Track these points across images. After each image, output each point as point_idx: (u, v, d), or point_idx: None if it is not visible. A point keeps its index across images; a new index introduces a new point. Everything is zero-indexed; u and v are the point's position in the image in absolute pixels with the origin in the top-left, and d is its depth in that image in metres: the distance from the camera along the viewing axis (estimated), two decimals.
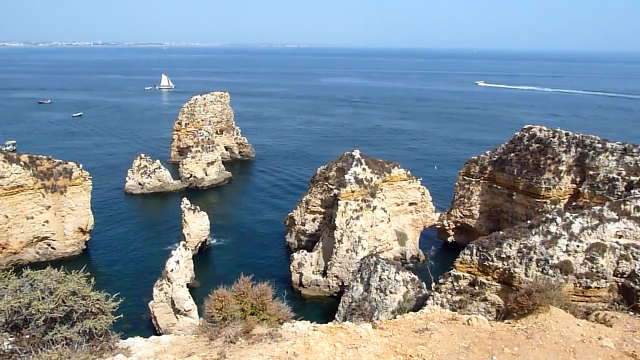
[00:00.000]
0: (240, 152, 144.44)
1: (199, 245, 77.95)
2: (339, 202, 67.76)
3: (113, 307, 12.59)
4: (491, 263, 35.75)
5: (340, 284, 66.24)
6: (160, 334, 52.21)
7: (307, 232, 78.10)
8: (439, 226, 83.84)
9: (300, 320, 14.39)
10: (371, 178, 71.71)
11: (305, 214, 78.31)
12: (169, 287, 55.74)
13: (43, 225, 75.82)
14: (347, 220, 67.05)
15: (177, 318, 55.72)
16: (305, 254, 70.33)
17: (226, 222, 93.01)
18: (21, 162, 75.03)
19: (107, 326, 12.30)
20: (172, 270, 56.38)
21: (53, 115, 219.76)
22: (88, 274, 12.94)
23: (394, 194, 77.84)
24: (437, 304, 36.46)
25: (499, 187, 76.04)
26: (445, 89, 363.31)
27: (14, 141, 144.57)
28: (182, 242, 64.61)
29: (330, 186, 73.98)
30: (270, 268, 74.14)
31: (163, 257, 63.02)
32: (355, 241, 66.17)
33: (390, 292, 47.76)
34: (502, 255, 35.42)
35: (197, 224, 76.85)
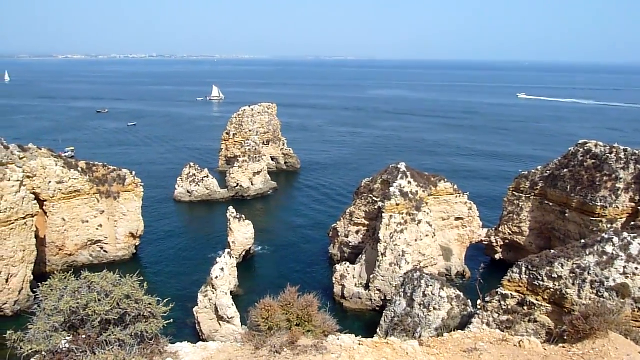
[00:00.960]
0: (286, 163, 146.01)
1: (244, 253, 78.99)
2: (383, 214, 67.08)
3: (163, 311, 12.84)
4: (541, 283, 34.28)
5: (382, 298, 65.30)
6: (203, 340, 52.89)
7: (350, 244, 77.68)
8: (486, 242, 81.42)
9: (345, 333, 14.20)
10: (417, 191, 70.64)
11: (349, 226, 77.98)
12: (213, 293, 56.63)
13: (97, 229, 79.03)
14: (391, 233, 66.22)
15: (220, 325, 56.45)
16: (348, 266, 69.89)
17: (270, 232, 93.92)
18: (79, 168, 78.70)
19: (158, 330, 12.54)
20: (216, 278, 57.31)
21: (109, 124, 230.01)
22: (141, 278, 13.28)
23: (439, 208, 76.34)
24: (483, 322, 35.26)
25: (550, 204, 73.14)
26: (488, 101, 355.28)
27: (73, 148, 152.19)
28: (227, 250, 65.64)
29: (375, 198, 73.42)
30: (312, 279, 74.14)
31: (208, 264, 64.21)
32: (399, 255, 65.18)
33: (434, 309, 46.63)
34: (553, 275, 33.92)
35: (242, 233, 77.98)
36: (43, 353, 11.48)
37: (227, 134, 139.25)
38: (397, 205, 67.50)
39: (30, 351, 11.38)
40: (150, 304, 12.56)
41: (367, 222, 75.92)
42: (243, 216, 79.46)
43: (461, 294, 48.82)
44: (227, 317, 55.48)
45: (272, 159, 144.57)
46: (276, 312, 13.96)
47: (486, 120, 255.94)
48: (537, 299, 34.93)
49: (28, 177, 70.88)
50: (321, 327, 14.31)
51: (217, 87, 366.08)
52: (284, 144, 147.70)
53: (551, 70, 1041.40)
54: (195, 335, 55.96)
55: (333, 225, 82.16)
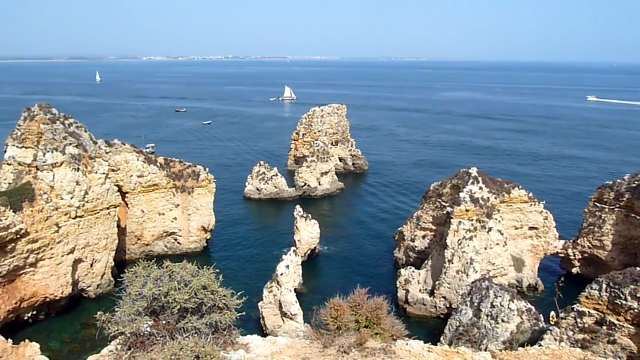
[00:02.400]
0: (353, 164, 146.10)
1: (309, 252, 79.98)
2: (451, 220, 65.35)
3: (237, 304, 13.32)
4: (624, 302, 31.95)
5: (447, 306, 63.64)
6: (266, 334, 54.19)
7: (416, 248, 76.40)
8: (562, 255, 76.99)
9: (413, 339, 14.03)
10: (488, 197, 68.16)
11: (416, 230, 76.70)
12: (278, 290, 57.83)
13: (172, 221, 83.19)
14: (459, 240, 64.38)
15: (283, 321, 57.55)
16: (413, 271, 68.77)
17: (336, 232, 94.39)
18: (158, 163, 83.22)
19: (231, 321, 13.04)
20: (281, 274, 58.48)
21: (186, 123, 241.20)
22: (217, 270, 13.84)
23: (512, 216, 73.19)
24: (556, 339, 33.43)
25: (638, 217, 67.89)
26: (563, 104, 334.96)
27: (153, 144, 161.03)
28: (292, 248, 66.76)
29: (444, 203, 71.69)
30: (376, 281, 73.63)
31: (274, 261, 65.64)
32: (467, 262, 63.21)
33: (503, 321, 44.76)
34: (638, 295, 31.50)
35: (308, 232, 78.99)
36: (127, 334, 12.29)
37: (297, 134, 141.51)
38: (467, 211, 65.49)
39: (115, 332, 12.22)
40: (225, 295, 13.10)
41: (434, 227, 74.29)
42: (309, 215, 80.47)
43: (532, 307, 46.49)
44: (290, 314, 56.44)
45: (340, 159, 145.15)
46: (345, 312, 14.05)
47: (568, 124, 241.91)
48: (618, 319, 32.60)
49: (113, 170, 75.96)
50: (389, 331, 14.22)
51: (289, 87, 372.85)
52: (352, 145, 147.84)
53: (623, 72, 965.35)
54: (259, 329, 57.41)
55: (399, 229, 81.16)
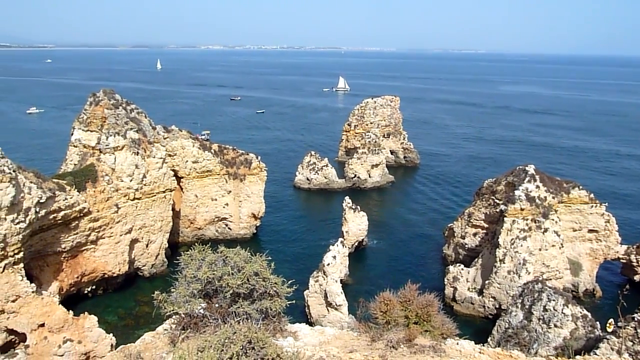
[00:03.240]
0: (405, 157, 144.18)
1: (356, 244, 79.90)
2: (505, 219, 63.29)
3: (287, 292, 13.49)
4: None
5: (497, 306, 61.89)
6: (311, 323, 54.75)
7: (466, 246, 74.65)
8: (624, 261, 72.91)
9: (464, 338, 13.71)
10: (545, 197, 65.44)
11: (467, 227, 74.89)
12: (324, 279, 58.21)
13: (223, 207, 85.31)
14: (512, 239, 62.31)
15: (328, 310, 57.93)
16: (462, 269, 67.28)
17: (384, 225, 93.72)
18: (212, 150, 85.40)
19: (281, 309, 13.23)
20: (328, 265, 58.78)
21: (241, 111, 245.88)
22: (269, 258, 14.04)
23: (570, 218, 69.98)
24: (613, 349, 31.80)
25: None
26: (633, 101, 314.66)
27: (209, 131, 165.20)
28: (340, 239, 66.91)
29: (497, 201, 69.50)
30: (423, 277, 72.56)
31: (321, 251, 66.04)
32: (520, 263, 61.12)
33: (555, 326, 43.06)
34: None
35: (356, 223, 78.87)
36: (182, 315, 12.74)
37: (349, 125, 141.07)
38: (522, 210, 63.19)
39: (171, 312, 12.69)
40: (276, 283, 13.30)
41: (486, 225, 72.23)
42: (358, 207, 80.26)
43: (588, 314, 44.43)
44: (336, 304, 56.72)
45: (392, 152, 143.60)
46: (395, 307, 13.91)
47: (637, 123, 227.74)
48: None
49: (169, 155, 78.64)
50: (440, 329, 13.97)
51: (344, 78, 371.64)
52: (404, 138, 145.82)
53: None
54: (304, 317, 58.08)
55: (449, 225, 79.52)
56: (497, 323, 50.31)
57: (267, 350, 9.82)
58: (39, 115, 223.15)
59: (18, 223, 50.75)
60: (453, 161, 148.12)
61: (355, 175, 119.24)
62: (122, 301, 66.62)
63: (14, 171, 50.69)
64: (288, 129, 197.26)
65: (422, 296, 14.59)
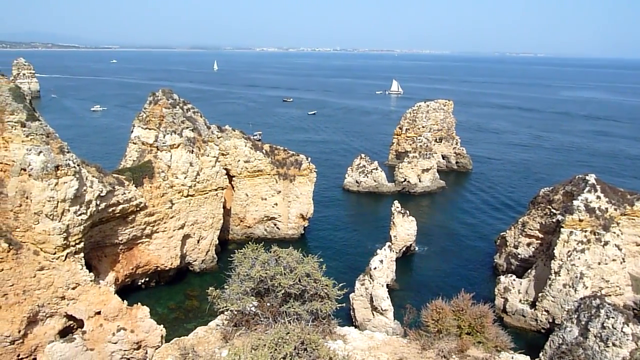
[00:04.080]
0: (457, 163, 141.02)
1: (404, 249, 78.88)
2: (562, 229, 60.58)
3: (337, 294, 13.47)
4: None
5: (550, 321, 59.32)
6: (356, 326, 54.40)
7: (519, 256, 72.03)
8: None
9: (519, 352, 13.19)
10: (606, 208, 62.10)
11: (520, 236, 72.27)
12: (370, 283, 57.82)
13: (273, 207, 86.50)
14: (569, 251, 59.54)
15: (373, 315, 57.49)
16: (514, 280, 64.95)
17: (433, 231, 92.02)
18: (263, 150, 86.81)
19: (331, 311, 13.22)
20: (375, 268, 58.34)
21: (292, 112, 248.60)
22: (320, 260, 14.06)
23: (634, 231, 66.05)
24: None
25: None
26: None
27: (261, 132, 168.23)
28: (388, 243, 66.23)
29: (554, 210, 66.62)
30: (472, 286, 70.60)
31: (368, 254, 65.66)
32: (576, 277, 58.31)
33: (614, 345, 40.76)
34: None
35: (404, 228, 77.88)
36: (234, 312, 13.00)
37: (400, 128, 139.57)
38: (580, 221, 60.28)
39: (223, 308, 12.97)
40: (327, 285, 13.31)
41: (541, 235, 69.41)
42: (407, 212, 79.21)
43: None
44: (381, 309, 56.19)
45: (443, 157, 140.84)
46: (447, 316, 13.57)
47: None
48: None
49: (222, 154, 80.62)
50: (494, 341, 13.47)
51: (397, 81, 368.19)
52: (457, 143, 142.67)
53: None
54: (348, 320, 57.94)
55: (502, 234, 77.02)
56: (550, 338, 48.21)
57: (319, 352, 9.84)
58: (102, 112, 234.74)
59: (80, 215, 53.55)
60: (507, 168, 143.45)
61: (405, 180, 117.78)
62: (172, 294, 68.87)
63: (78, 165, 53.54)
64: (339, 131, 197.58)
65: (476, 306, 14.10)
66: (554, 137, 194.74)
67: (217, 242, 77.56)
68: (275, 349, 9.52)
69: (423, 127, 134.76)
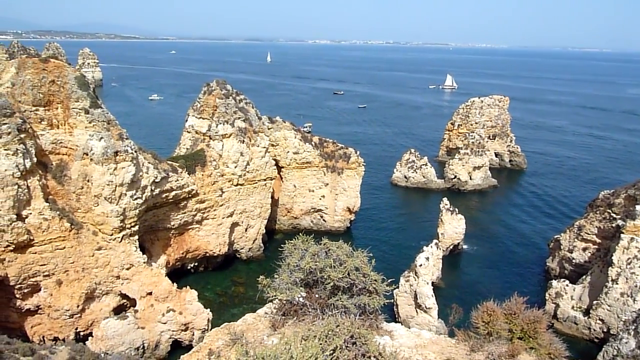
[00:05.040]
0: (510, 161, 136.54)
1: (451, 247, 77.42)
2: (622, 235, 57.52)
3: (385, 290, 13.45)
4: None
5: (604, 330, 56.65)
6: (398, 322, 54.06)
7: (573, 260, 69.09)
8: None
9: None
10: None
11: (576, 240, 69.25)
12: (415, 280, 57.19)
13: (320, 199, 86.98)
14: (629, 258, 56.49)
15: (417, 312, 56.89)
16: (567, 285, 62.40)
17: (482, 230, 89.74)
18: (312, 143, 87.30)
19: (378, 306, 13.23)
20: (420, 265, 57.63)
21: (343, 105, 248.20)
22: (370, 254, 14.07)
23: None
24: None
25: None
26: None
27: (311, 124, 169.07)
28: (435, 241, 65.22)
29: (614, 215, 63.35)
30: (521, 289, 68.33)
31: (414, 251, 64.91)
32: (636, 286, 55.29)
33: None
34: None
35: (452, 226, 76.39)
36: (283, 301, 13.25)
37: (452, 124, 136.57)
38: None
39: (273, 297, 13.26)
40: (375, 280, 13.31)
41: (598, 240, 66.21)
42: (456, 209, 77.60)
43: None
44: (425, 307, 55.52)
45: (496, 155, 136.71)
46: (499, 319, 13.21)
47: None
48: None
49: (272, 145, 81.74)
50: (547, 348, 12.99)
51: (451, 76, 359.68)
52: (511, 141, 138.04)
53: None
54: (391, 316, 57.60)
55: (556, 236, 74.07)
56: (604, 348, 46.15)
57: (368, 346, 9.86)
58: (159, 101, 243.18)
59: (136, 199, 55.90)
60: (565, 168, 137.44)
61: (456, 177, 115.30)
62: (219, 280, 70.82)
63: (135, 152, 55.84)
64: (389, 125, 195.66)
65: (529, 310, 13.62)
66: (617, 138, 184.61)
67: (264, 231, 78.92)
68: (325, 341, 9.61)
69: (476, 123, 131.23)
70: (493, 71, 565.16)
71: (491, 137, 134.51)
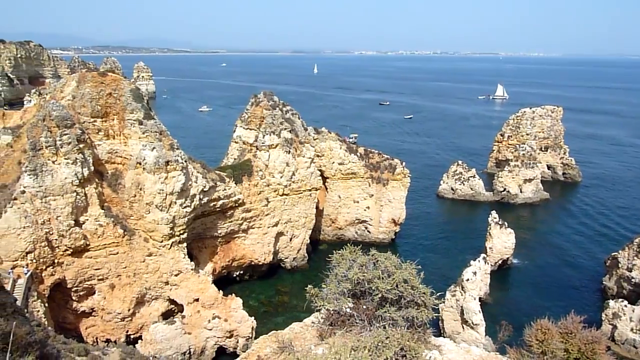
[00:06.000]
0: (564, 174, 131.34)
1: (500, 262, 75.10)
2: None
3: (434, 303, 13.28)
4: None
5: None
6: (444, 337, 52.74)
7: (633, 280, 65.42)
8: None
9: None
10: None
11: (635, 258, 65.61)
12: (462, 295, 55.79)
13: (365, 210, 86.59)
14: None
15: (463, 328, 55.41)
16: (626, 306, 59.08)
17: (533, 245, 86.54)
18: (358, 153, 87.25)
19: (427, 320, 13.06)
20: (467, 280, 56.19)
21: (388, 116, 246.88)
22: (419, 267, 13.95)
23: None
24: None
25: None
26: None
27: (356, 135, 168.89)
28: (482, 255, 63.52)
29: None
30: (574, 307, 64.89)
31: (460, 265, 63.40)
32: None
33: None
34: None
35: (501, 240, 74.16)
36: (330, 311, 13.32)
37: (502, 135, 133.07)
38: None
39: (320, 306, 13.37)
40: (424, 293, 13.16)
41: None
42: (505, 223, 75.31)
43: None
44: (472, 323, 53.99)
45: (549, 167, 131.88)
46: (554, 338, 12.69)
47: None
48: None
49: (317, 155, 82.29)
50: None
51: (502, 85, 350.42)
52: (564, 153, 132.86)
53: None
54: (437, 332, 56.33)
55: (613, 254, 70.45)
56: None
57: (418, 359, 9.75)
58: (209, 113, 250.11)
59: (185, 207, 57.58)
60: (622, 182, 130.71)
61: (505, 189, 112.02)
62: (264, 289, 71.56)
63: (185, 161, 57.64)
64: (436, 136, 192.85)
65: (587, 330, 12.99)
66: None
67: (309, 241, 79.26)
68: (375, 352, 9.57)
69: (527, 134, 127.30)
70: (546, 81, 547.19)
71: (543, 149, 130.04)
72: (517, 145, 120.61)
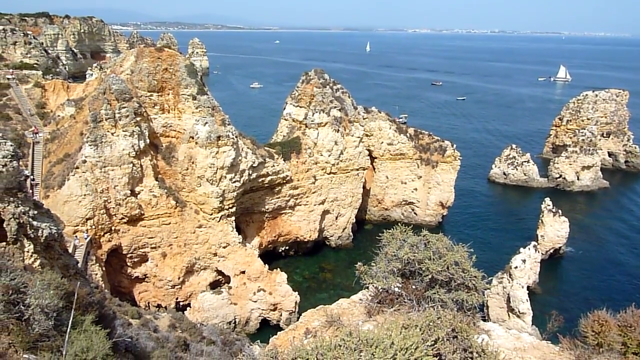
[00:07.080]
0: (626, 162, 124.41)
1: (551, 250, 72.66)
2: None
3: (484, 287, 13.13)
4: None
5: None
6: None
7: None
8: None
9: None
10: None
11: None
12: (509, 283, 54.56)
13: (412, 191, 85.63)
14: None
15: (508, 316, 54.33)
16: None
17: (588, 235, 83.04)
18: (407, 134, 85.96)
19: (477, 303, 12.95)
20: (516, 268, 54.83)
21: (440, 97, 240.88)
22: (471, 250, 13.81)
23: None
24: None
25: None
26: None
27: (407, 115, 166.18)
28: (533, 243, 61.59)
29: None
30: (629, 301, 62.46)
31: (510, 252, 61.85)
32: None
33: None
34: None
35: (554, 228, 71.59)
36: (379, 289, 13.42)
37: (560, 119, 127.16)
38: None
39: (369, 284, 13.52)
40: (475, 276, 13.00)
41: None
42: (559, 211, 72.50)
43: None
44: (518, 311, 52.80)
45: (610, 154, 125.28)
46: (611, 330, 12.22)
47: None
48: None
49: (366, 135, 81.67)
50: None
51: (565, 67, 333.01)
52: (628, 140, 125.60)
53: None
54: (482, 316, 55.48)
55: None
56: None
57: (471, 342, 9.67)
58: (260, 89, 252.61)
59: (235, 182, 58.91)
60: None
61: (561, 176, 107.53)
62: (308, 265, 72.64)
63: (236, 137, 58.72)
64: (489, 119, 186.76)
65: None
66: None
67: (354, 220, 79.42)
68: (427, 332, 9.55)
69: (588, 119, 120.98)
70: (614, 63, 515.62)
71: (605, 135, 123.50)
72: (577, 130, 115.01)
